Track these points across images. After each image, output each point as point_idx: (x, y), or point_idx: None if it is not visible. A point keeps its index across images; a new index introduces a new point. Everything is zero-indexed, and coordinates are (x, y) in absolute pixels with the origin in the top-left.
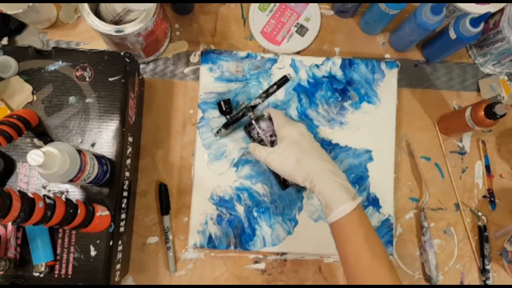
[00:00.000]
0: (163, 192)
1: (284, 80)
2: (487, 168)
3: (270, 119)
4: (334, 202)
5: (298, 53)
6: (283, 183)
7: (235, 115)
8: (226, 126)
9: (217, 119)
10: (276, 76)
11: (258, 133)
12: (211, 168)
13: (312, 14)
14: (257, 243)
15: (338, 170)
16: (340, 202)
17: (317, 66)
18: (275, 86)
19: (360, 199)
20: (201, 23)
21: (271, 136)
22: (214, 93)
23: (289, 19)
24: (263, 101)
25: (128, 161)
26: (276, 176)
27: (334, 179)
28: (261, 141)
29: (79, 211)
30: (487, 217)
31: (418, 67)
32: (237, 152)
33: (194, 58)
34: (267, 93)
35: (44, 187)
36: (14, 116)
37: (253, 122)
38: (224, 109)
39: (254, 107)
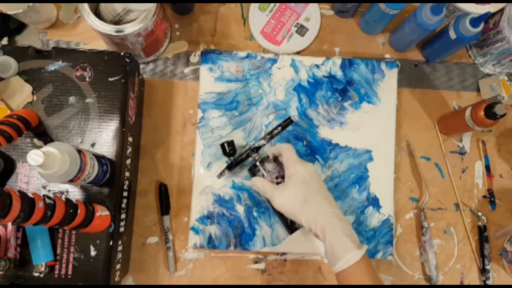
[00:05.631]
0: (163, 192)
1: (288, 121)
2: (487, 168)
3: (275, 160)
4: (341, 250)
5: (298, 53)
6: (290, 226)
7: (239, 156)
8: (229, 168)
9: (217, 119)
10: (276, 76)
11: (263, 175)
12: (211, 168)
13: (312, 14)
14: (257, 243)
15: (343, 216)
16: (347, 250)
17: (317, 66)
18: (279, 128)
19: (365, 247)
20: (201, 23)
21: (276, 178)
22: (214, 93)
23: (289, 19)
24: (267, 142)
25: (128, 161)
26: (281, 217)
27: (341, 226)
28: None
29: (79, 211)
30: (487, 217)
31: (418, 67)
32: (237, 152)
33: (194, 58)
34: (271, 135)
35: (44, 187)
36: (14, 116)
37: (258, 164)
38: (227, 151)
39: (258, 148)
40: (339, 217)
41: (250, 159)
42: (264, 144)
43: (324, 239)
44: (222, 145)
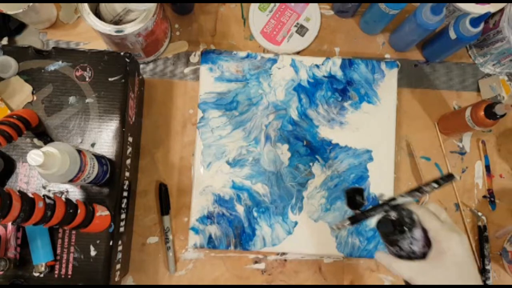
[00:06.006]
0: (163, 192)
1: (449, 178)
2: (487, 168)
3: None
4: None
5: (298, 53)
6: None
7: (370, 210)
8: (354, 222)
9: (217, 119)
10: (276, 76)
11: (411, 243)
12: (211, 168)
13: (312, 14)
14: (257, 243)
15: None
16: None
17: (317, 66)
18: (435, 185)
19: None
20: (201, 23)
21: (423, 247)
22: (214, 93)
23: (289, 19)
24: (416, 199)
25: (128, 161)
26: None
27: None
28: (411, 254)
29: (79, 211)
30: (487, 217)
31: (418, 67)
32: (237, 152)
33: (194, 58)
34: (422, 190)
35: (44, 187)
36: (14, 116)
37: (406, 229)
38: (356, 202)
39: (399, 205)
40: None
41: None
42: (411, 202)
43: None
44: (349, 194)
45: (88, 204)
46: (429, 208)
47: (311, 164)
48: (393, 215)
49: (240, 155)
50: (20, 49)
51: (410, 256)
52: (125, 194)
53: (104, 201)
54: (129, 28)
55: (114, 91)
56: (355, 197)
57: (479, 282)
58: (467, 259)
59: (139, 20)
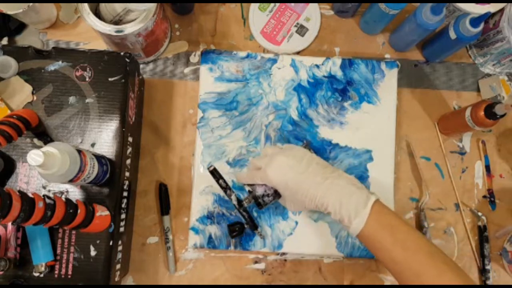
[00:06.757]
0: (163, 192)
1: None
2: (487, 168)
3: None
4: (346, 216)
5: (298, 53)
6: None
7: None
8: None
9: (217, 119)
10: (276, 76)
11: (262, 198)
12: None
13: (312, 14)
14: (257, 243)
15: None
16: (353, 214)
17: (317, 66)
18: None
19: (373, 199)
20: (201, 23)
21: (275, 192)
22: (214, 93)
23: (289, 19)
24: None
25: (128, 161)
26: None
27: (348, 188)
28: (271, 200)
29: (79, 211)
30: (487, 217)
31: (418, 67)
32: (237, 152)
33: (194, 58)
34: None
35: (44, 187)
36: (14, 116)
37: (248, 195)
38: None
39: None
40: (350, 180)
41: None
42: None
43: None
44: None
45: (88, 204)
46: (241, 174)
47: None
48: (244, 199)
49: (240, 155)
50: (20, 49)
51: (274, 199)
52: (125, 194)
53: (104, 201)
54: (129, 28)
55: (114, 91)
56: (235, 230)
57: (318, 161)
58: (288, 176)
59: (139, 20)
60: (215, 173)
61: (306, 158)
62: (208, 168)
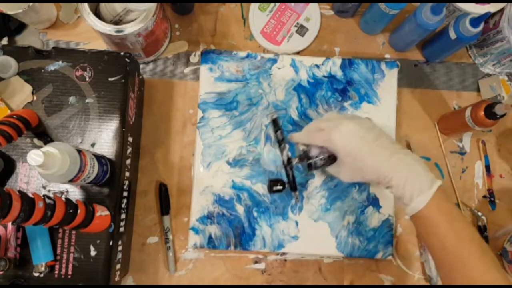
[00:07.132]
0: (163, 192)
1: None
2: (487, 168)
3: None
4: (408, 194)
5: (298, 53)
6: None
7: (287, 182)
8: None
9: (217, 119)
10: (276, 76)
11: (315, 162)
12: (211, 168)
13: (312, 14)
14: (257, 243)
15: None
16: (416, 193)
17: (317, 66)
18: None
19: (438, 183)
20: (201, 23)
21: (329, 157)
22: (214, 93)
23: (289, 19)
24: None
25: (128, 161)
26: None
27: (414, 166)
28: (324, 164)
29: (79, 211)
30: (487, 217)
31: (418, 67)
32: (237, 152)
33: (194, 58)
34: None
35: (44, 187)
36: (14, 116)
37: (303, 157)
38: (275, 188)
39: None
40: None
41: (294, 165)
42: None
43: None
44: (271, 185)
45: (88, 204)
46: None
47: None
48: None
49: (240, 155)
50: (20, 49)
51: (326, 164)
52: (125, 194)
53: (104, 201)
54: (129, 28)
55: (114, 91)
56: (276, 185)
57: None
58: (355, 144)
59: (139, 20)
60: (276, 123)
61: (375, 130)
62: (271, 115)
